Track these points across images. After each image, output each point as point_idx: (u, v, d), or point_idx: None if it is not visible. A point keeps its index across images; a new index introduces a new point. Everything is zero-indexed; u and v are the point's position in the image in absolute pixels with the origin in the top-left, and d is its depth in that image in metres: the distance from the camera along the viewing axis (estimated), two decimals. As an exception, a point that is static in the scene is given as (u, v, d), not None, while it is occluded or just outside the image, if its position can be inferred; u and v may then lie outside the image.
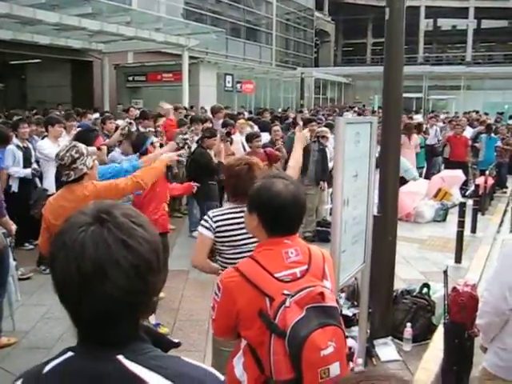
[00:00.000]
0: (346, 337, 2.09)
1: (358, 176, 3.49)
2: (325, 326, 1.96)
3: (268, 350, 1.95)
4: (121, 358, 1.08)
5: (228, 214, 3.14)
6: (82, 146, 3.65)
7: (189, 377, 1.10)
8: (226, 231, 3.10)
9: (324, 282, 2.10)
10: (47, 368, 1.11)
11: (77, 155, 3.54)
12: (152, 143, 5.42)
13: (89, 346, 1.10)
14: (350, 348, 2.21)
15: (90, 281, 1.03)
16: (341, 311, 2.17)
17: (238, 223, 3.04)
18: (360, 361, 4.07)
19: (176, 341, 1.29)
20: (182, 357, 1.18)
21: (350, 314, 4.86)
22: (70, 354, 1.12)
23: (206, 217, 3.21)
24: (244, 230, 2.89)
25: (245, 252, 2.97)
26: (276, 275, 2.03)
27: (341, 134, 3.10)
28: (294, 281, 2.03)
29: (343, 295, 5.23)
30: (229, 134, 7.75)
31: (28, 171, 7.18)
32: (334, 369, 1.94)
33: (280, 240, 2.11)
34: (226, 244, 3.12)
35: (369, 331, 4.59)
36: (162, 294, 5.91)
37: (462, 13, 45.81)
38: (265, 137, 9.02)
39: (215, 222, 3.11)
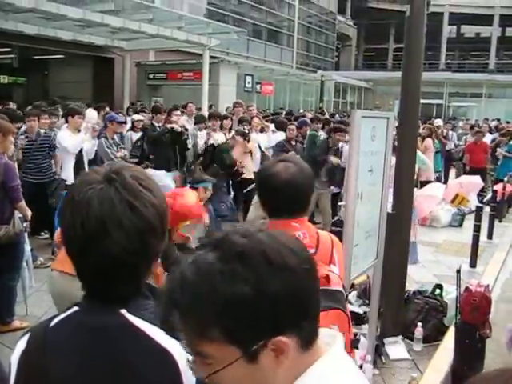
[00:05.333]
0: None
1: (373, 171, 3.49)
2: (328, 309, 1.96)
3: None
4: (124, 312, 1.13)
5: None
6: None
7: None
8: None
9: (331, 266, 2.11)
10: (54, 322, 1.15)
11: None
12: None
13: (94, 301, 1.14)
14: (355, 334, 2.22)
15: (92, 236, 1.07)
16: (347, 296, 2.17)
17: None
18: (369, 358, 4.06)
19: None
20: None
21: (361, 312, 4.85)
22: (75, 308, 1.15)
23: None
24: None
25: None
26: None
27: (356, 127, 3.11)
28: None
29: (355, 293, 5.22)
30: (244, 134, 7.78)
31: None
32: None
33: (287, 222, 2.12)
34: None
35: (379, 329, 4.58)
36: None
37: (486, 20, 45.38)
38: (280, 135, 9.06)
39: None
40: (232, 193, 8.30)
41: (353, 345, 2.11)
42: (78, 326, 1.12)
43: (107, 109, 11.32)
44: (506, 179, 10.74)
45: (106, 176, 1.11)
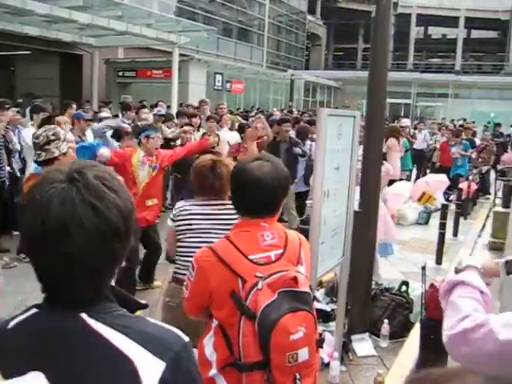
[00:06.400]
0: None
1: (340, 169, 3.52)
2: (296, 310, 1.97)
3: (238, 332, 1.96)
4: (84, 316, 1.09)
5: (192, 205, 3.24)
6: (60, 132, 3.67)
7: (151, 336, 1.11)
8: (184, 220, 3.20)
9: (299, 267, 2.11)
10: (12, 324, 1.12)
11: (53, 137, 3.56)
12: (147, 136, 5.44)
13: (53, 304, 1.11)
14: (320, 334, 2.23)
15: (52, 237, 1.04)
16: (314, 297, 2.18)
17: (201, 214, 3.17)
18: (336, 355, 4.09)
19: (143, 302, 1.30)
20: (147, 317, 1.19)
21: (329, 310, 4.89)
22: (34, 310, 1.12)
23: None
24: (206, 222, 3.02)
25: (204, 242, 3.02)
26: (250, 257, 2.04)
27: (323, 125, 3.13)
28: (268, 264, 2.04)
29: (322, 291, 5.26)
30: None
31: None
32: (303, 354, 1.95)
33: (257, 222, 2.12)
34: (186, 233, 3.21)
35: (347, 327, 4.62)
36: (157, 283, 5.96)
37: (452, 22, 46.19)
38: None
39: (177, 212, 3.24)
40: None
41: (318, 344, 2.11)
42: (35, 329, 1.09)
43: (74, 106, 11.18)
44: (470, 177, 10.94)
45: (68, 175, 1.08)
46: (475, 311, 1.39)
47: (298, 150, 7.88)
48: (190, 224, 3.16)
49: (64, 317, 1.09)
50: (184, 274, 2.84)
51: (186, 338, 1.16)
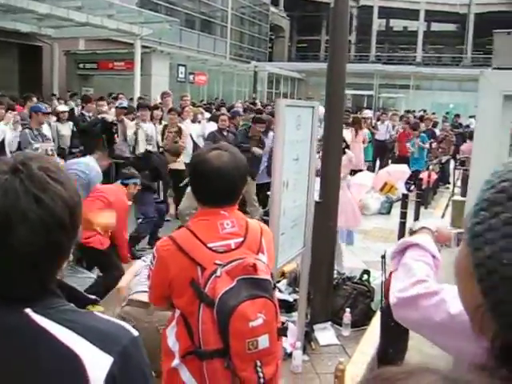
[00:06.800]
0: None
1: (299, 160, 3.53)
2: (255, 297, 1.97)
3: (197, 319, 1.96)
4: (28, 311, 1.06)
5: None
6: None
7: (99, 330, 1.09)
8: None
9: (260, 255, 2.12)
10: None
11: None
12: (135, 184, 5.51)
13: None
14: (282, 323, 2.25)
15: None
16: (275, 285, 2.19)
17: None
18: (298, 344, 4.13)
19: (93, 297, 1.28)
20: (95, 312, 1.17)
21: (291, 300, 4.91)
22: None
23: None
24: None
25: None
26: (209, 245, 2.04)
27: (281, 116, 3.13)
28: (228, 252, 2.05)
29: (285, 281, 5.29)
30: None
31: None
32: (263, 341, 1.96)
33: (216, 211, 2.12)
34: None
35: (309, 316, 4.66)
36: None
37: (413, 15, 46.81)
38: (212, 126, 9.04)
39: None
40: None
41: (280, 333, 2.12)
42: None
43: (34, 99, 10.94)
44: (430, 167, 11.15)
45: (12, 167, 1.05)
46: (427, 277, 1.39)
47: (258, 151, 7.94)
48: None
49: (7, 313, 1.06)
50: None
51: (135, 333, 1.14)
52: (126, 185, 5.41)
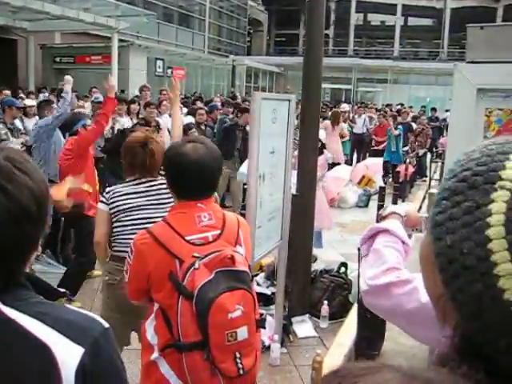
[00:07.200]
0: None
1: (275, 153, 3.54)
2: (233, 289, 1.98)
3: (176, 312, 1.96)
4: None
5: (124, 186, 3.16)
6: None
7: (70, 322, 1.08)
8: (118, 201, 3.12)
9: (237, 247, 2.13)
10: None
11: None
12: (84, 125, 5.28)
13: None
14: (261, 314, 2.25)
15: None
16: (253, 277, 2.20)
17: (135, 193, 3.10)
18: (276, 337, 4.14)
19: (62, 290, 1.27)
20: (66, 305, 1.16)
21: (269, 293, 4.93)
22: None
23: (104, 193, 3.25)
24: (141, 199, 2.98)
25: (142, 223, 2.98)
26: (187, 238, 2.05)
27: (256, 109, 3.13)
28: (206, 244, 2.06)
29: (263, 274, 5.30)
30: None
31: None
32: (242, 332, 1.97)
33: (193, 203, 2.12)
34: (121, 213, 3.13)
35: (287, 309, 4.69)
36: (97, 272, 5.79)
37: (390, 9, 47.06)
38: (190, 120, 8.99)
39: (110, 195, 3.14)
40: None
41: (259, 325, 2.13)
42: None
43: (8, 92, 10.78)
44: (407, 161, 11.25)
45: None
46: (399, 264, 1.39)
47: None
48: (125, 204, 3.10)
49: None
50: (122, 251, 2.83)
51: (106, 325, 1.14)
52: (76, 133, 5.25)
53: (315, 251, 6.10)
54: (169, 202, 2.93)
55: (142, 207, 3.09)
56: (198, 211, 2.10)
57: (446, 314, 0.72)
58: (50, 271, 5.12)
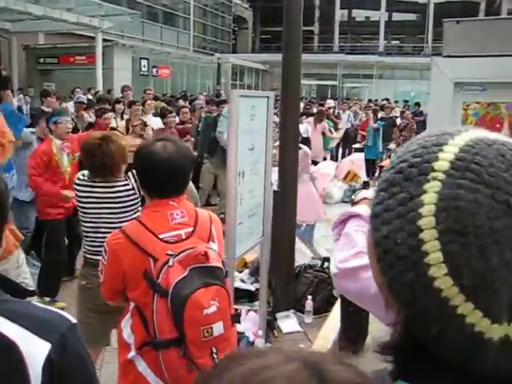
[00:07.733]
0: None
1: (255, 149, 3.56)
2: (208, 285, 2.00)
3: (152, 310, 1.98)
4: None
5: (88, 185, 3.17)
6: None
7: (36, 318, 1.10)
8: (82, 197, 3.16)
9: (210, 243, 2.15)
10: None
11: None
12: (55, 122, 5.21)
13: None
14: (236, 309, 2.28)
15: None
16: (226, 272, 2.22)
17: (96, 197, 3.13)
18: (260, 333, 4.17)
19: (31, 289, 1.28)
20: (33, 302, 1.18)
21: (253, 289, 4.95)
22: None
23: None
24: (100, 205, 3.00)
25: (103, 227, 3.03)
26: (160, 236, 2.06)
27: (234, 106, 3.15)
28: (179, 242, 2.07)
29: (247, 271, 5.32)
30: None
31: None
32: (218, 328, 1.99)
33: (165, 202, 2.14)
34: (83, 214, 3.18)
35: (271, 305, 4.71)
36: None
37: (374, 5, 47.17)
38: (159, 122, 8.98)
39: (77, 186, 3.18)
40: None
41: (234, 320, 2.16)
42: None
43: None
44: (392, 155, 11.30)
45: None
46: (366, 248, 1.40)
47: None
48: (87, 208, 3.15)
49: None
50: (93, 255, 2.86)
51: (73, 320, 1.16)
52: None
53: (300, 246, 6.15)
54: (131, 207, 3.03)
55: (101, 215, 3.11)
56: (171, 209, 2.12)
57: (389, 301, 0.74)
58: (36, 273, 5.10)
